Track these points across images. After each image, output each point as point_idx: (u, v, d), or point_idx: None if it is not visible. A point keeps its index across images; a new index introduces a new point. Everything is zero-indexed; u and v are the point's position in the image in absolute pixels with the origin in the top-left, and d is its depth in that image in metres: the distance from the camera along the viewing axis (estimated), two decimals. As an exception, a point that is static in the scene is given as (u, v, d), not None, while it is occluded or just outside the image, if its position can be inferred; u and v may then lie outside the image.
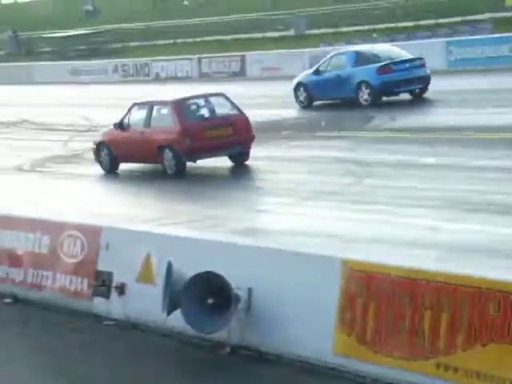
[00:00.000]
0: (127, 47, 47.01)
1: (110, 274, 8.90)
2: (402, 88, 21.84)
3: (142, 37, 48.05)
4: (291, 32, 42.51)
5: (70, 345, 8.42)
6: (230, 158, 16.30)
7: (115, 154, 16.73)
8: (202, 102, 16.66)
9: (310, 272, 7.34)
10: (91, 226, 9.40)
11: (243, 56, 34.08)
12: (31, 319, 9.29)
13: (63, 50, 47.14)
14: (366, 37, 35.44)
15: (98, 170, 17.08)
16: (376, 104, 21.33)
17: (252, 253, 7.93)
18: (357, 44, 30.08)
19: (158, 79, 36.60)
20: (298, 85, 23.19)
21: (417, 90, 22.11)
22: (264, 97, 25.81)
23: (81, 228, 9.35)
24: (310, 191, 13.38)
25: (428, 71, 22.08)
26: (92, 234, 9.18)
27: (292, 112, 22.50)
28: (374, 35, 36.01)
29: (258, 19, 45.57)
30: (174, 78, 35.72)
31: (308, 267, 7.39)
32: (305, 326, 7.29)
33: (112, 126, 17.01)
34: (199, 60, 36.15)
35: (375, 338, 6.85)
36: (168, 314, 7.81)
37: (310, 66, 25.61)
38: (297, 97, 23.16)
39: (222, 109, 16.58)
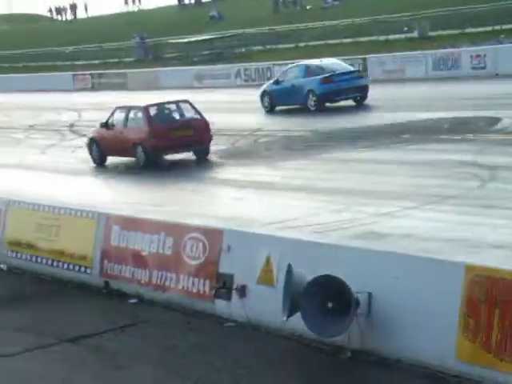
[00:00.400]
0: (250, 51, 47.46)
1: (231, 276, 9.01)
2: (341, 96, 25.66)
3: (264, 41, 48.46)
4: (415, 34, 41.94)
5: (193, 345, 8.55)
6: (194, 153, 19.41)
7: (102, 148, 19.95)
8: (168, 107, 20.07)
9: (432, 277, 7.23)
10: (213, 228, 9.54)
11: (365, 59, 33.83)
12: (155, 319, 9.50)
13: (188, 56, 48.07)
14: (492, 38, 34.63)
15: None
16: (320, 109, 25.10)
17: (372, 257, 7.87)
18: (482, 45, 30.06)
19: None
20: (263, 93, 27.52)
21: (358, 98, 25.76)
22: (387, 100, 25.61)
23: (203, 230, 9.51)
24: (432, 195, 13.17)
25: (367, 81, 26.15)
26: (214, 236, 9.32)
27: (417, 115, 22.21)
28: (502, 36, 35.12)
29: (380, 21, 45.19)
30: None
31: (430, 272, 7.28)
32: (426, 331, 7.19)
33: (99, 126, 20.31)
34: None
35: (501, 345, 6.69)
36: (288, 317, 7.84)
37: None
38: (262, 103, 27.35)
39: (186, 113, 19.74)
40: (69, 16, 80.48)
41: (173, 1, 68.89)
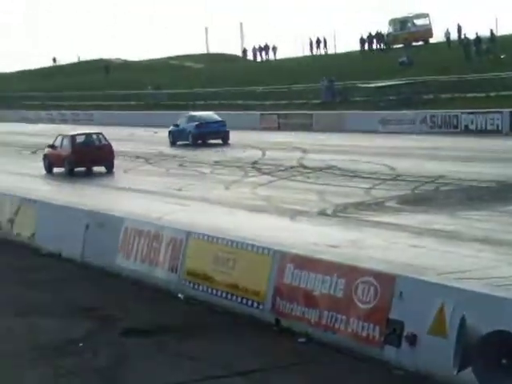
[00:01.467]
0: (438, 98, 46.80)
1: (401, 323, 8.84)
2: (208, 137, 38.85)
3: (453, 89, 47.65)
4: None
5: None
6: (104, 167, 29.95)
7: (49, 161, 30.90)
8: (87, 136, 31.57)
9: None
10: (386, 273, 9.42)
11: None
12: (322, 360, 9.45)
13: (375, 100, 48.03)
14: None
15: (397, 219, 17.17)
16: (194, 145, 38.17)
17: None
18: None
19: (467, 131, 36.06)
20: (169, 132, 40.89)
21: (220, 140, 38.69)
22: None
23: (376, 275, 9.41)
24: None
25: (226, 128, 39.26)
26: (386, 281, 9.20)
27: None
28: None
29: None
30: (483, 132, 35.04)
31: None
32: None
33: (50, 147, 31.07)
34: (511, 114, 35.12)
35: None
36: (459, 371, 7.59)
37: None
38: (169, 139, 40.71)
39: (98, 140, 30.99)
40: (259, 57, 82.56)
41: (359, 46, 69.00)
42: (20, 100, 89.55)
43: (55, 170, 30.79)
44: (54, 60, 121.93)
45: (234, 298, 11.50)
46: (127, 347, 10.29)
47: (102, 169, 29.94)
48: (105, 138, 30.93)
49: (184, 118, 40.76)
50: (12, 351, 10.26)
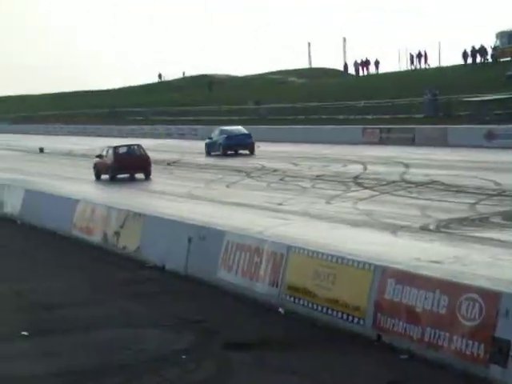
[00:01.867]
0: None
1: (508, 342, 8.64)
2: (236, 148, 44.69)
3: None
4: None
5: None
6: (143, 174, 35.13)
7: (98, 169, 36.15)
8: (128, 147, 36.56)
9: None
10: (491, 290, 9.22)
11: None
12: (424, 378, 9.32)
13: (479, 114, 47.14)
14: None
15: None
16: (225, 155, 44.06)
17: None
18: None
19: None
20: (205, 144, 46.90)
21: (248, 150, 44.34)
22: None
23: (480, 292, 9.22)
24: None
25: (252, 140, 44.72)
26: (491, 298, 9.00)
27: None
28: None
29: None
30: None
31: None
32: None
33: (97, 157, 36.42)
34: None
35: None
36: None
37: None
38: (205, 149, 46.65)
39: (138, 150, 35.93)
40: (361, 72, 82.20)
41: (461, 59, 67.76)
42: (126, 115, 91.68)
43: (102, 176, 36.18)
44: (160, 76, 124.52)
45: (335, 312, 11.46)
46: (229, 360, 10.37)
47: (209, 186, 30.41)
48: (143, 149, 36.00)
49: (217, 132, 46.49)
50: (118, 362, 10.48)
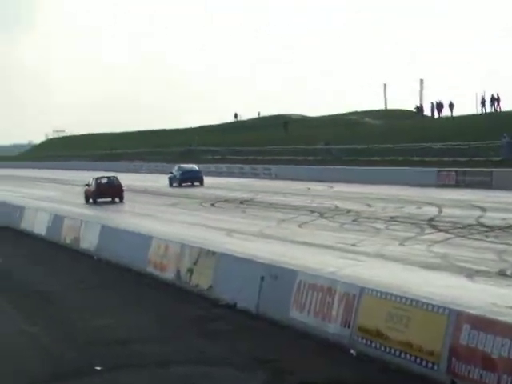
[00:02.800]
0: None
1: None
2: (190, 181, 58.76)
3: None
4: None
5: None
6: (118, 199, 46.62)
7: (86, 195, 47.38)
8: (106, 178, 47.90)
9: None
10: None
11: None
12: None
13: None
14: None
15: None
16: (181, 185, 58.09)
17: None
18: None
19: None
20: (168, 178, 60.71)
21: (198, 182, 59.01)
22: None
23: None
24: None
25: (201, 175, 59.94)
26: None
27: None
28: None
29: None
30: None
31: None
32: None
33: (86, 185, 47.77)
34: None
35: None
36: None
37: None
38: (168, 182, 60.52)
39: (115, 181, 47.30)
40: (436, 114, 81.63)
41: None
42: (202, 154, 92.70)
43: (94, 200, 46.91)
44: (236, 116, 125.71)
45: (408, 356, 11.32)
46: (300, 400, 10.33)
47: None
48: (118, 180, 47.67)
49: (176, 168, 61.43)
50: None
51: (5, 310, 16.96)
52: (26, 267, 23.63)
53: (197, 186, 57.85)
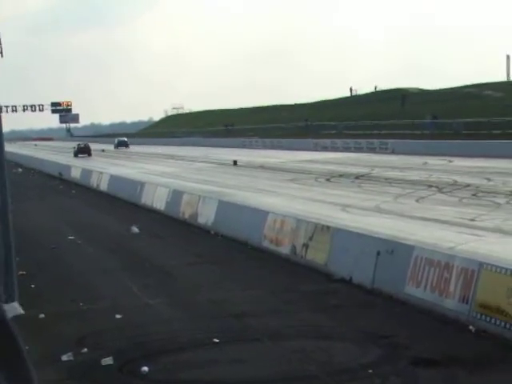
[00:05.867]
0: None
1: None
2: (119, 147, 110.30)
3: None
4: None
5: None
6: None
7: (74, 153, 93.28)
8: (83, 143, 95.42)
9: None
10: None
11: None
12: None
13: None
14: None
15: None
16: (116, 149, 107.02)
17: None
18: None
19: None
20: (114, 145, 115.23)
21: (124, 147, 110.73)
22: None
23: None
24: None
25: (128, 143, 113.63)
26: None
27: None
28: None
29: None
30: None
31: None
32: None
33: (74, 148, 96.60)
34: None
35: None
36: None
37: None
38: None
39: (86, 145, 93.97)
40: None
41: None
42: (317, 129, 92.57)
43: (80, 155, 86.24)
44: (351, 90, 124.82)
45: (529, 333, 11.02)
46: (416, 377, 10.22)
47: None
48: (88, 144, 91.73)
49: (116, 140, 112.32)
50: (303, 372, 10.57)
51: (127, 284, 17.43)
52: (145, 242, 24.19)
53: (312, 161, 57.27)
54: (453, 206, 27.49)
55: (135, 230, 26.17)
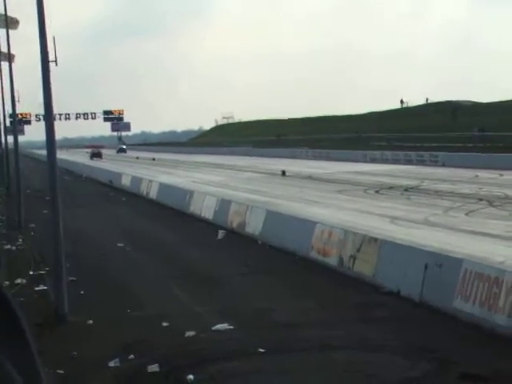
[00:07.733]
0: None
1: None
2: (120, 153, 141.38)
3: None
4: None
5: None
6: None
7: (90, 156, 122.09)
8: (97, 148, 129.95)
9: None
10: None
11: None
12: None
13: None
14: None
15: None
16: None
17: None
18: None
19: None
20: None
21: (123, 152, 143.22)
22: None
23: None
24: None
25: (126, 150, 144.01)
26: None
27: None
28: None
29: None
30: None
31: None
32: None
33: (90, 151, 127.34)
34: None
35: None
36: None
37: None
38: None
39: (99, 151, 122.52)
40: None
41: None
42: (367, 140, 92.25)
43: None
44: (402, 102, 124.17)
45: None
46: (463, 392, 10.11)
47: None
48: (100, 150, 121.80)
49: (119, 146, 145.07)
50: None
51: (175, 292, 17.53)
52: (193, 250, 24.31)
53: (361, 172, 56.35)
54: (503, 219, 27.15)
55: (221, 234, 26.80)
